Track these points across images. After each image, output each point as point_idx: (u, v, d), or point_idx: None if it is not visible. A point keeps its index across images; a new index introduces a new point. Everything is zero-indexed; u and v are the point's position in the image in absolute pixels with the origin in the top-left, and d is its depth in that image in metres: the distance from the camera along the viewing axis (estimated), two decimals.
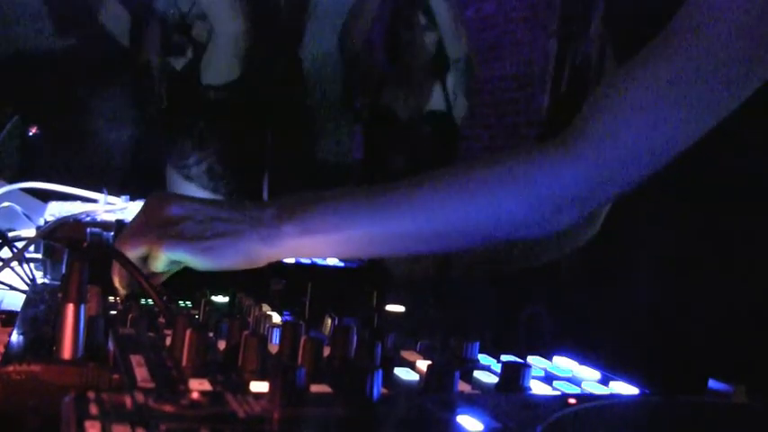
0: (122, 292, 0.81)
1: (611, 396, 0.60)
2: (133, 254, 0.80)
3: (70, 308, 0.58)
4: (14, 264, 0.93)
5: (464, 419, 0.45)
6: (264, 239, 0.81)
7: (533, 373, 0.60)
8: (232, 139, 2.41)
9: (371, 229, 0.83)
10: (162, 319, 0.70)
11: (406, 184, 0.84)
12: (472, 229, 0.84)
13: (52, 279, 0.96)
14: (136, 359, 0.55)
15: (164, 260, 0.80)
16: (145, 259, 0.81)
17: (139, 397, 0.42)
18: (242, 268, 0.82)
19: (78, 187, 1.42)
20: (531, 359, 0.68)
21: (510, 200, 0.82)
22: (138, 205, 1.30)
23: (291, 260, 1.05)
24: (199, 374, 0.53)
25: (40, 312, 0.75)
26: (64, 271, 0.90)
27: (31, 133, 2.19)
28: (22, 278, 0.94)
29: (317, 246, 0.82)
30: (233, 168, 2.40)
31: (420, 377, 0.60)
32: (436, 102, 2.84)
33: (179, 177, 2.40)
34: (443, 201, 0.83)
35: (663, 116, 0.79)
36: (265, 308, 0.80)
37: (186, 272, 0.83)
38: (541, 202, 0.82)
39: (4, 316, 0.81)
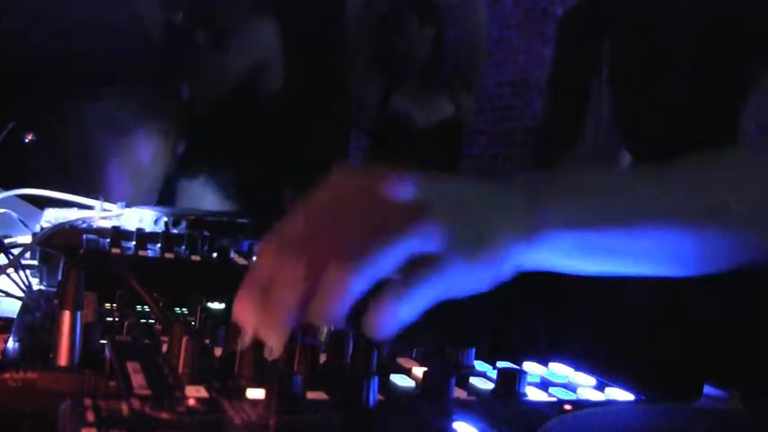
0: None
1: (607, 402, 0.60)
2: None
3: (66, 315, 0.58)
4: (10, 270, 0.93)
5: (460, 426, 0.45)
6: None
7: (529, 379, 0.60)
8: (239, 145, 2.42)
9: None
10: (158, 326, 0.70)
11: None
12: None
13: (48, 286, 0.96)
14: (132, 366, 0.55)
15: None
16: None
17: (136, 404, 0.42)
18: None
19: (74, 194, 1.42)
20: (526, 365, 0.68)
21: None
22: (133, 212, 1.30)
23: None
24: (195, 381, 0.53)
25: (37, 319, 0.75)
26: (60, 278, 0.90)
27: (27, 140, 2.18)
28: (18, 285, 0.94)
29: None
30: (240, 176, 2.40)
31: (416, 384, 0.60)
32: (440, 108, 2.84)
33: (188, 187, 2.41)
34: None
35: None
36: None
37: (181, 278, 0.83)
38: None
39: (0, 323, 0.81)
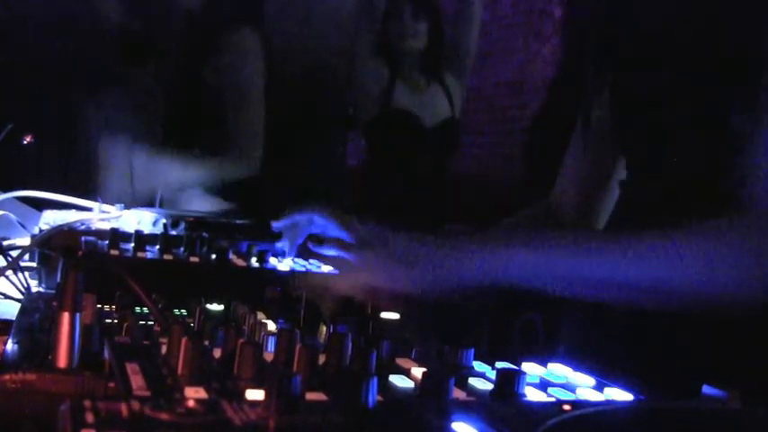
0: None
1: (606, 402, 0.60)
2: None
3: (65, 316, 0.58)
4: (9, 272, 0.93)
5: (459, 426, 0.45)
6: None
7: (528, 379, 0.60)
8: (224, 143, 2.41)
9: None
10: (157, 327, 0.70)
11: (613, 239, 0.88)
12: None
13: (47, 288, 0.96)
14: (131, 367, 0.55)
15: None
16: None
17: (135, 405, 0.42)
18: None
19: (73, 196, 1.41)
20: (525, 366, 0.68)
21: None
22: (132, 214, 1.30)
23: (286, 268, 1.05)
24: (194, 382, 0.53)
25: (36, 321, 0.75)
26: (59, 279, 0.90)
27: (25, 142, 2.18)
28: (16, 287, 0.94)
29: None
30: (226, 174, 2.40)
31: (415, 384, 0.60)
32: (436, 107, 2.84)
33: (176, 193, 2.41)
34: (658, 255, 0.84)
35: None
36: (260, 316, 0.80)
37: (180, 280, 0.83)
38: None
39: None
